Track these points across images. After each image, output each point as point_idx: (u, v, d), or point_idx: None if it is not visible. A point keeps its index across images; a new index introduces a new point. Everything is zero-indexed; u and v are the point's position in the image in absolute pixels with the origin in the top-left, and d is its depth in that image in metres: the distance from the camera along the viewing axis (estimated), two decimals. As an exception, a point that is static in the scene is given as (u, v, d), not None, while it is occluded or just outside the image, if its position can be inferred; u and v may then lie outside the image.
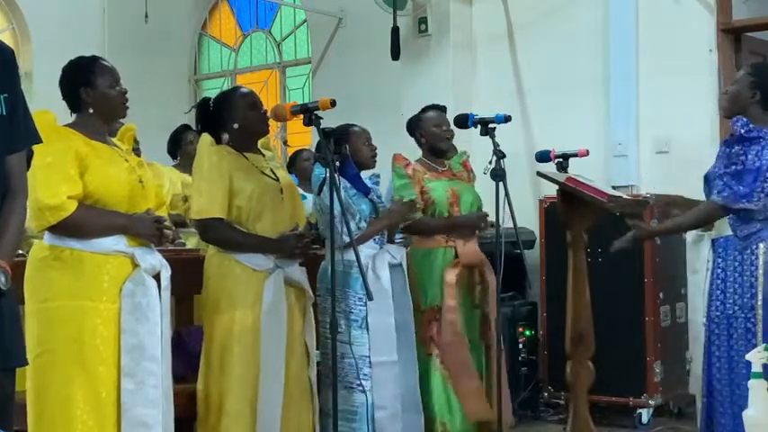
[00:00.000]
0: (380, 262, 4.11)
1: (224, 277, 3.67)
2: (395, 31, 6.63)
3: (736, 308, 3.71)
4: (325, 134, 3.62)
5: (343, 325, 3.97)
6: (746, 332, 3.68)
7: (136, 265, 3.23)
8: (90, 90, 3.27)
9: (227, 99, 3.86)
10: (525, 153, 6.18)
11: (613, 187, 5.17)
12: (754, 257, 3.68)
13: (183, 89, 9.23)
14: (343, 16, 7.83)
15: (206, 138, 3.75)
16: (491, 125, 4.19)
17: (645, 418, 5.55)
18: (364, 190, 4.24)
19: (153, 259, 3.30)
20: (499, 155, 4.08)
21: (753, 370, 2.55)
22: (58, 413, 3.10)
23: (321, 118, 3.62)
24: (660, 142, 6.04)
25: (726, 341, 3.74)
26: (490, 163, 4.09)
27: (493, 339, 4.43)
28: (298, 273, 3.81)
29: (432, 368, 4.38)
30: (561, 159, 4.59)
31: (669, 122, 6.00)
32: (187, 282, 3.79)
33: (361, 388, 3.98)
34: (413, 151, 4.67)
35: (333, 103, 3.56)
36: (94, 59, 3.34)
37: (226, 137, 3.82)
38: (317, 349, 3.99)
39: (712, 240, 3.89)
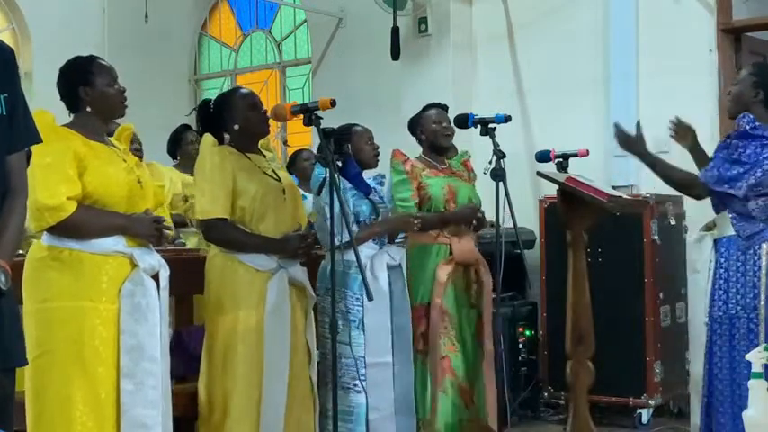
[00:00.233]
0: (379, 263, 4.10)
1: (227, 278, 3.67)
2: (395, 31, 6.64)
3: (739, 308, 3.72)
4: (325, 134, 3.62)
5: (341, 325, 3.97)
6: (749, 332, 3.69)
7: (135, 266, 3.23)
8: (88, 89, 3.26)
9: (228, 100, 3.86)
10: (525, 153, 6.18)
11: (613, 187, 5.17)
12: (756, 257, 3.69)
13: (183, 89, 9.23)
14: (343, 16, 7.84)
15: (208, 138, 3.75)
16: (491, 125, 4.19)
17: (645, 418, 5.55)
18: (365, 190, 4.24)
19: (152, 259, 3.30)
20: (499, 155, 4.07)
21: (753, 370, 2.55)
22: (57, 414, 3.09)
23: (321, 118, 3.61)
24: (660, 142, 5.99)
25: (728, 341, 3.75)
26: (490, 163, 4.09)
27: (488, 339, 4.44)
28: (300, 273, 3.81)
29: (420, 365, 4.37)
30: (561, 159, 4.59)
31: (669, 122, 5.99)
32: (187, 282, 3.79)
33: (357, 388, 3.98)
34: (412, 151, 4.67)
35: (333, 103, 3.56)
36: (92, 59, 3.34)
37: (227, 137, 3.83)
38: (317, 349, 4.00)
39: (715, 240, 3.90)
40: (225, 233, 3.68)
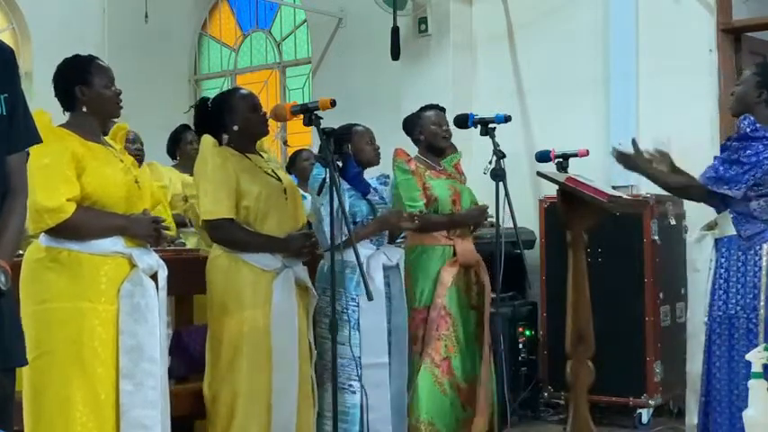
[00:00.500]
0: (375, 263, 4.09)
1: (232, 278, 3.67)
2: (395, 31, 6.63)
3: (738, 308, 3.72)
4: (325, 134, 3.62)
5: (338, 325, 3.97)
6: (748, 332, 3.69)
7: (133, 266, 3.22)
8: (85, 89, 3.26)
9: (228, 100, 3.86)
10: (525, 153, 6.18)
11: (613, 187, 5.17)
12: (757, 258, 3.69)
13: (183, 89, 9.23)
14: (343, 16, 7.84)
15: (208, 139, 3.76)
16: (491, 125, 4.19)
17: (645, 418, 5.55)
18: (363, 190, 4.24)
19: (150, 259, 3.30)
20: (499, 155, 4.08)
21: (753, 370, 2.55)
22: (56, 415, 3.08)
23: (321, 118, 3.61)
24: (660, 142, 6.02)
25: (727, 341, 3.75)
26: (490, 163, 4.09)
27: (487, 340, 4.45)
28: (303, 272, 3.83)
29: (421, 367, 4.37)
30: (561, 159, 4.59)
31: (669, 122, 5.99)
32: (187, 282, 3.80)
33: (352, 389, 3.98)
34: (411, 151, 4.67)
35: (333, 103, 3.56)
36: (91, 59, 3.33)
37: (225, 138, 3.82)
38: (315, 349, 4.00)
39: (715, 240, 3.90)
40: (231, 233, 3.68)
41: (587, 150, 4.70)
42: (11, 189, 2.27)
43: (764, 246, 3.69)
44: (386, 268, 4.14)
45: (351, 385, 3.97)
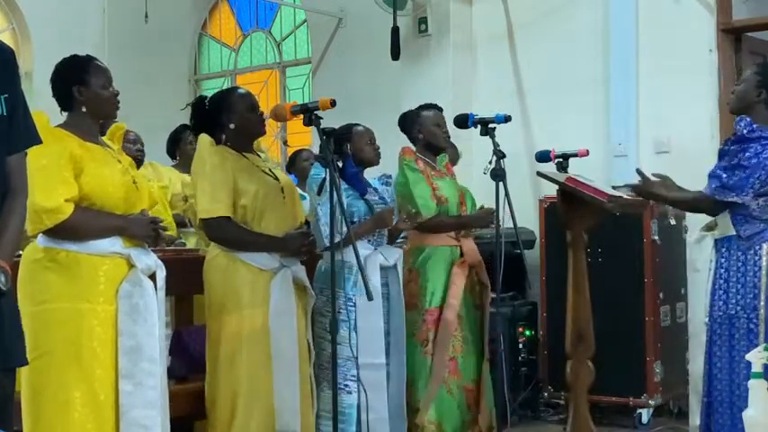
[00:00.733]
0: (372, 264, 4.08)
1: (229, 278, 3.67)
2: (395, 31, 6.63)
3: (739, 308, 3.72)
4: (325, 134, 3.62)
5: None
6: (748, 332, 3.69)
7: (131, 266, 3.21)
8: (83, 89, 3.25)
9: (226, 99, 3.86)
10: (525, 153, 6.18)
11: (613, 187, 5.17)
12: (757, 258, 3.69)
13: (182, 89, 9.22)
14: (343, 16, 7.83)
15: (205, 138, 3.76)
16: (491, 125, 4.19)
17: (645, 418, 5.54)
18: (361, 190, 4.23)
19: (149, 260, 3.29)
20: (499, 155, 4.08)
21: (753, 370, 2.55)
22: (55, 416, 3.07)
23: (321, 118, 3.61)
24: (660, 142, 6.04)
25: (727, 341, 3.75)
26: (490, 163, 4.09)
27: (488, 340, 4.45)
28: (301, 271, 3.82)
29: (429, 369, 4.37)
30: (561, 159, 4.59)
31: (669, 122, 5.99)
32: (187, 282, 3.79)
33: (348, 389, 3.98)
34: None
35: (333, 103, 3.56)
36: (89, 59, 3.33)
37: (222, 137, 3.82)
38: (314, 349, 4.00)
39: (715, 240, 3.90)
40: (228, 232, 3.68)
41: (587, 150, 4.70)
42: (11, 189, 2.27)
43: (764, 246, 3.69)
44: (383, 269, 4.14)
45: (347, 385, 3.97)
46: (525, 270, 4.44)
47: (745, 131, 3.71)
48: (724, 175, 3.72)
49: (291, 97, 8.64)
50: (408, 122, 4.67)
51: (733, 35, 6.04)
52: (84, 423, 3.08)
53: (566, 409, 5.11)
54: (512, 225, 4.02)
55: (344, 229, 3.58)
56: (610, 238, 5.34)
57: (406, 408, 4.33)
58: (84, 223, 3.14)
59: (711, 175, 3.80)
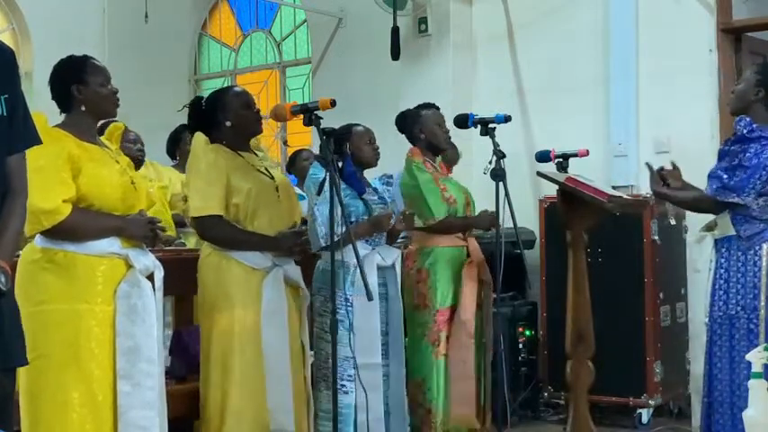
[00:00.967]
0: (369, 264, 4.07)
1: (222, 277, 3.66)
2: (395, 31, 6.64)
3: (739, 308, 3.72)
4: (325, 134, 3.61)
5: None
6: (749, 333, 3.69)
7: (129, 267, 3.21)
8: (82, 87, 3.24)
9: (221, 98, 3.86)
10: (525, 153, 6.18)
11: (613, 187, 5.17)
12: (757, 258, 3.69)
13: (182, 89, 9.22)
14: (343, 16, 7.84)
15: (200, 137, 3.75)
16: (491, 125, 4.19)
17: (645, 418, 5.55)
18: (359, 189, 4.23)
19: (147, 260, 3.28)
20: (499, 155, 4.08)
21: (753, 370, 2.55)
22: (54, 417, 3.07)
23: (321, 118, 3.61)
24: (660, 142, 6.04)
25: (727, 341, 3.75)
26: (490, 163, 4.09)
27: (489, 339, 4.45)
28: (294, 271, 3.81)
29: (442, 370, 4.37)
30: (561, 159, 4.59)
31: (669, 122, 5.99)
32: (187, 282, 3.79)
33: (345, 389, 3.97)
34: (404, 148, 4.65)
35: (333, 103, 3.55)
36: (86, 58, 3.32)
37: (219, 136, 3.81)
38: (310, 349, 3.99)
39: (715, 240, 3.90)
40: (220, 230, 3.67)
41: (587, 150, 4.70)
42: (10, 190, 2.28)
43: (764, 246, 3.68)
44: (381, 269, 4.13)
45: (344, 386, 3.95)
46: (525, 270, 4.44)
47: (744, 131, 3.71)
48: (725, 176, 3.72)
49: (291, 97, 8.64)
50: (408, 122, 4.65)
51: (733, 35, 6.04)
52: (82, 424, 3.07)
53: (566, 409, 5.11)
54: (512, 225, 4.02)
55: (342, 228, 3.57)
56: (610, 238, 5.34)
57: (418, 408, 4.34)
58: (81, 224, 3.13)
59: (712, 176, 3.80)
